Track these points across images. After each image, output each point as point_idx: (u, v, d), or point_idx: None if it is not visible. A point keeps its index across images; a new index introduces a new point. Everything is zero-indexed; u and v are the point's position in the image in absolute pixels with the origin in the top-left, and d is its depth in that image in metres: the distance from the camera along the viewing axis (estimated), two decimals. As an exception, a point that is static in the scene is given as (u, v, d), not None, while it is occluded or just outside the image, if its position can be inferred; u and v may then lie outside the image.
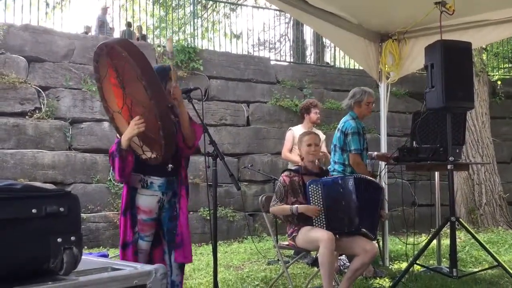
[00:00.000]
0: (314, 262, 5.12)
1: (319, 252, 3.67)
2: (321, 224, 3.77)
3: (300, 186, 3.93)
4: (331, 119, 8.91)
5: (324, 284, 3.63)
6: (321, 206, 3.78)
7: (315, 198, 3.81)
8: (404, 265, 5.18)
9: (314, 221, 3.79)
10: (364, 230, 3.79)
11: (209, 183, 3.29)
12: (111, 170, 7.12)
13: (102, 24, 11.38)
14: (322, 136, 5.87)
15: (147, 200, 3.15)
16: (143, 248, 3.18)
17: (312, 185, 3.85)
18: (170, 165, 3.09)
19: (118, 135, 3.11)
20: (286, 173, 4.03)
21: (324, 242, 3.56)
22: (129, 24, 11.13)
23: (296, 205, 3.81)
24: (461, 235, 7.05)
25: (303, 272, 5.15)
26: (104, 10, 11.49)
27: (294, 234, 3.90)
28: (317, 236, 3.65)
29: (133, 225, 3.14)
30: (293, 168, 4.17)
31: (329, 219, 3.76)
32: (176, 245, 3.18)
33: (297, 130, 5.87)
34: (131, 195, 3.15)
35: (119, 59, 2.77)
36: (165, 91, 3.04)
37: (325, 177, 3.99)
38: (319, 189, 3.81)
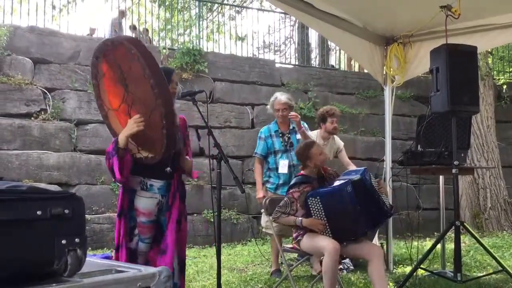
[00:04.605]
0: (318, 266, 5.10)
1: (323, 261, 3.63)
2: (327, 234, 3.69)
3: None
4: (336, 122, 8.88)
5: None
6: (324, 218, 3.69)
7: (316, 210, 3.71)
8: (408, 269, 5.15)
9: (320, 232, 3.72)
10: (367, 231, 3.76)
11: (213, 186, 3.29)
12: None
13: (119, 27, 11.27)
14: (341, 143, 5.59)
15: (146, 202, 3.13)
16: (143, 250, 3.16)
17: (311, 198, 3.74)
18: (168, 168, 3.09)
19: (111, 134, 3.07)
20: (294, 188, 3.89)
21: (329, 251, 3.52)
22: (134, 27, 11.09)
23: (301, 218, 3.74)
24: (465, 240, 7.02)
25: (307, 276, 5.14)
26: (122, 13, 11.32)
27: (299, 238, 3.87)
28: (323, 245, 3.59)
29: (127, 228, 3.09)
30: (300, 179, 3.95)
31: (334, 230, 3.68)
32: (160, 252, 3.13)
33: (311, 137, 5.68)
34: (128, 198, 3.12)
35: (126, 57, 2.74)
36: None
37: (323, 188, 3.84)
38: (318, 201, 3.70)
